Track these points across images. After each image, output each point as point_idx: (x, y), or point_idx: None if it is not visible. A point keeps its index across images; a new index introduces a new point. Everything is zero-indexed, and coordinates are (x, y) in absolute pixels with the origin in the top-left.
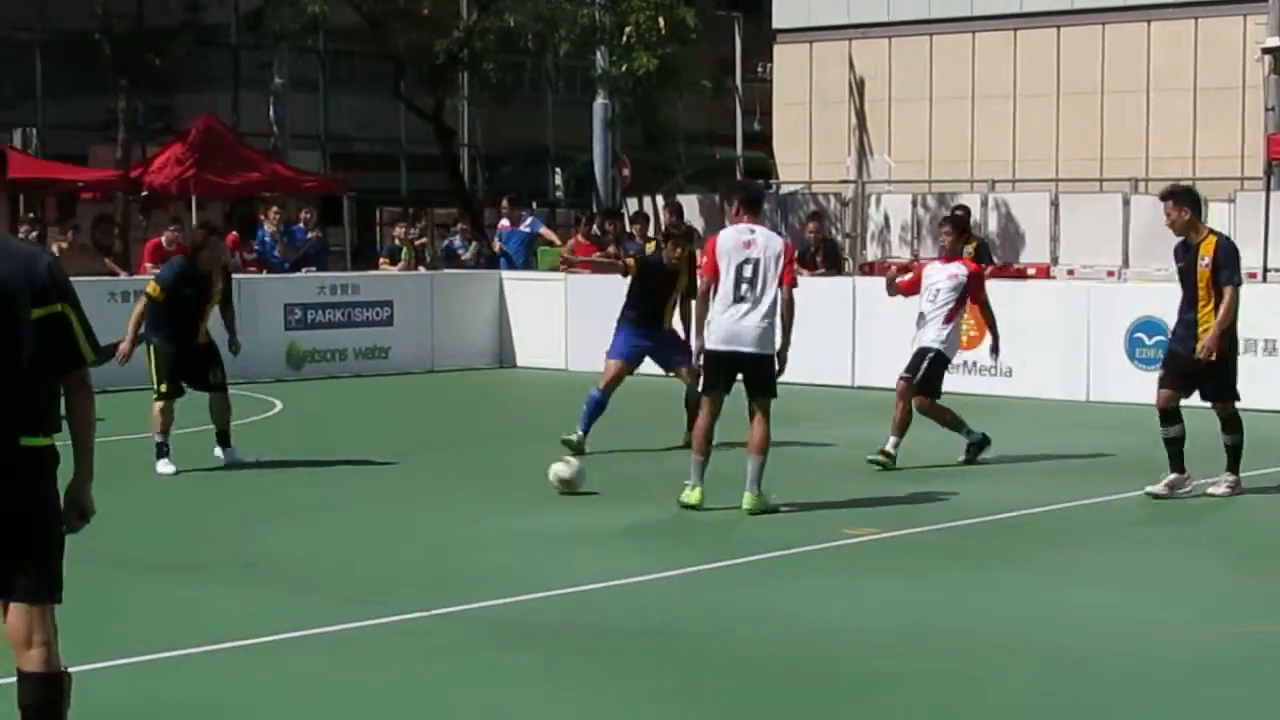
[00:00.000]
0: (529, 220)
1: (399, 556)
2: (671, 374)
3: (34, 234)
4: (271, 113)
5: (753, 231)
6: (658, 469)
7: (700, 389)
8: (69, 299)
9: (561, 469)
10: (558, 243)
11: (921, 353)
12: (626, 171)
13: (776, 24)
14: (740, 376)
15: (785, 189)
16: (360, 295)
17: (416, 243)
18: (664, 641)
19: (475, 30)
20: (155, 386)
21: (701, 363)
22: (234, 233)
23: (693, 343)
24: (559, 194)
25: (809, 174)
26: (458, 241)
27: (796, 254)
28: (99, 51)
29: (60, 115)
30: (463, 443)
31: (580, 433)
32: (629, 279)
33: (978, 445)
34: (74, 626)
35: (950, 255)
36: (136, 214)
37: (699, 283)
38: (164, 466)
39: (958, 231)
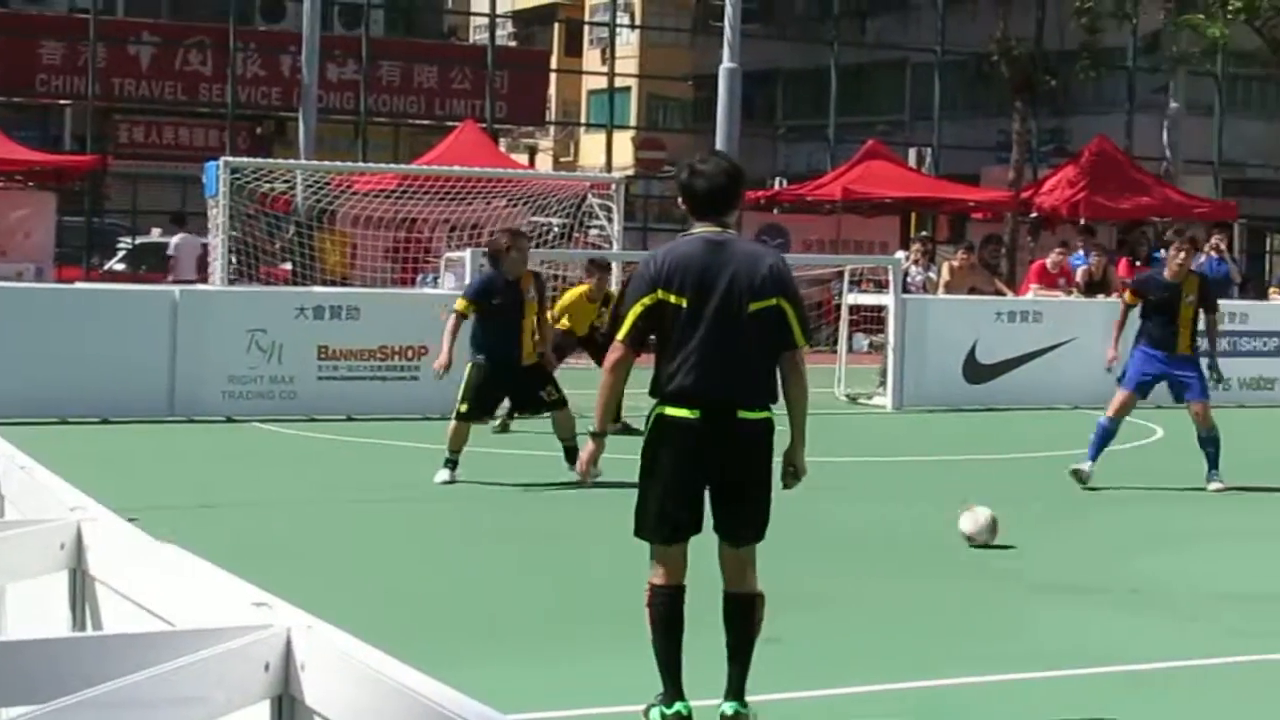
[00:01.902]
0: None
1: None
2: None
3: (923, 252)
4: (1164, 136)
5: None
6: None
7: None
8: (786, 294)
9: (964, 522)
10: None
11: None
12: None
13: None
14: None
15: None
16: (1248, 325)
17: None
18: None
19: None
20: (457, 405)
21: None
22: (1124, 257)
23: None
24: None
25: None
26: None
27: None
28: (996, 73)
29: (954, 135)
30: None
31: (1089, 463)
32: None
33: None
34: (959, 638)
35: None
36: (1025, 235)
37: None
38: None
39: None
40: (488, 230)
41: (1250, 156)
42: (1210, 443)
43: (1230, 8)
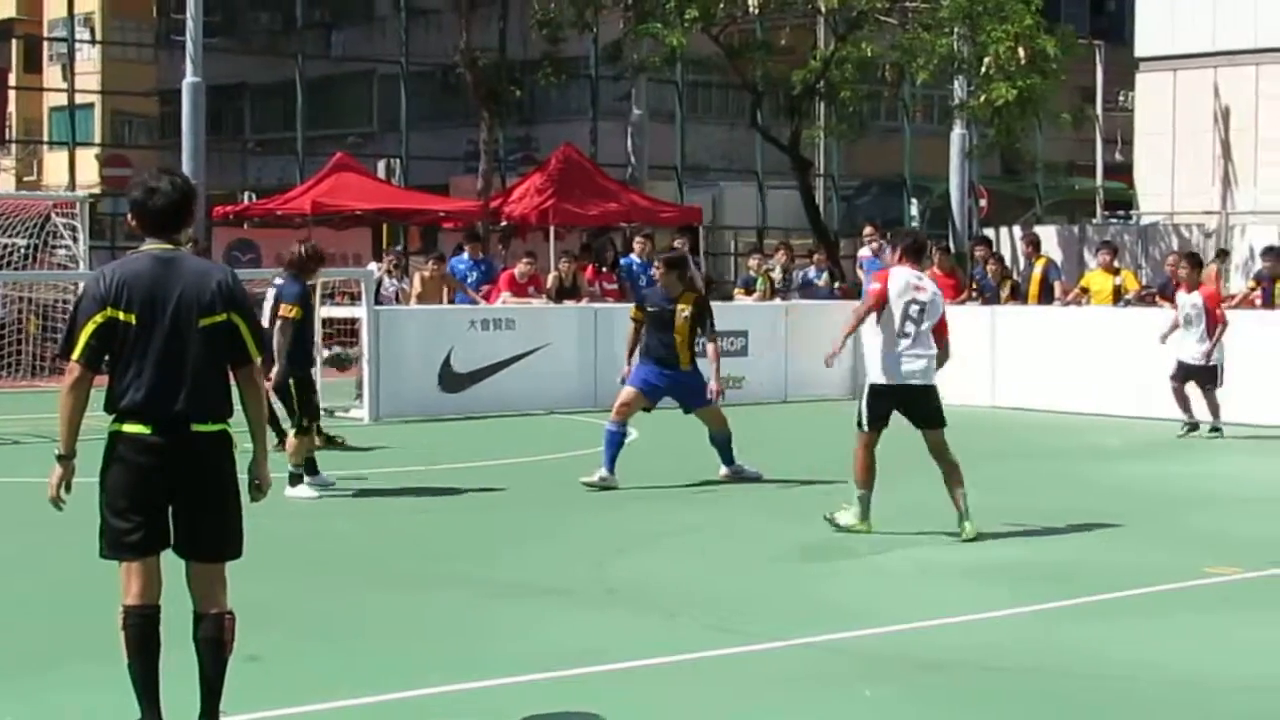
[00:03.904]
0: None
1: (753, 585)
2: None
3: (395, 264)
4: (629, 143)
5: (920, 278)
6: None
7: (865, 424)
8: (238, 309)
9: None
10: None
11: None
12: (983, 202)
13: (1139, 52)
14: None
15: (1146, 219)
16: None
17: (771, 273)
18: (1024, 679)
19: (833, 60)
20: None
21: (865, 398)
22: (590, 264)
23: (713, 383)
24: (915, 224)
25: (1171, 204)
26: (813, 271)
27: (1158, 287)
28: (461, 84)
29: (423, 146)
30: (812, 474)
31: (605, 473)
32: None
33: None
34: (441, 647)
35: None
36: (496, 244)
37: (860, 304)
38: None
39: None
40: None
41: (713, 160)
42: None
43: (687, 17)
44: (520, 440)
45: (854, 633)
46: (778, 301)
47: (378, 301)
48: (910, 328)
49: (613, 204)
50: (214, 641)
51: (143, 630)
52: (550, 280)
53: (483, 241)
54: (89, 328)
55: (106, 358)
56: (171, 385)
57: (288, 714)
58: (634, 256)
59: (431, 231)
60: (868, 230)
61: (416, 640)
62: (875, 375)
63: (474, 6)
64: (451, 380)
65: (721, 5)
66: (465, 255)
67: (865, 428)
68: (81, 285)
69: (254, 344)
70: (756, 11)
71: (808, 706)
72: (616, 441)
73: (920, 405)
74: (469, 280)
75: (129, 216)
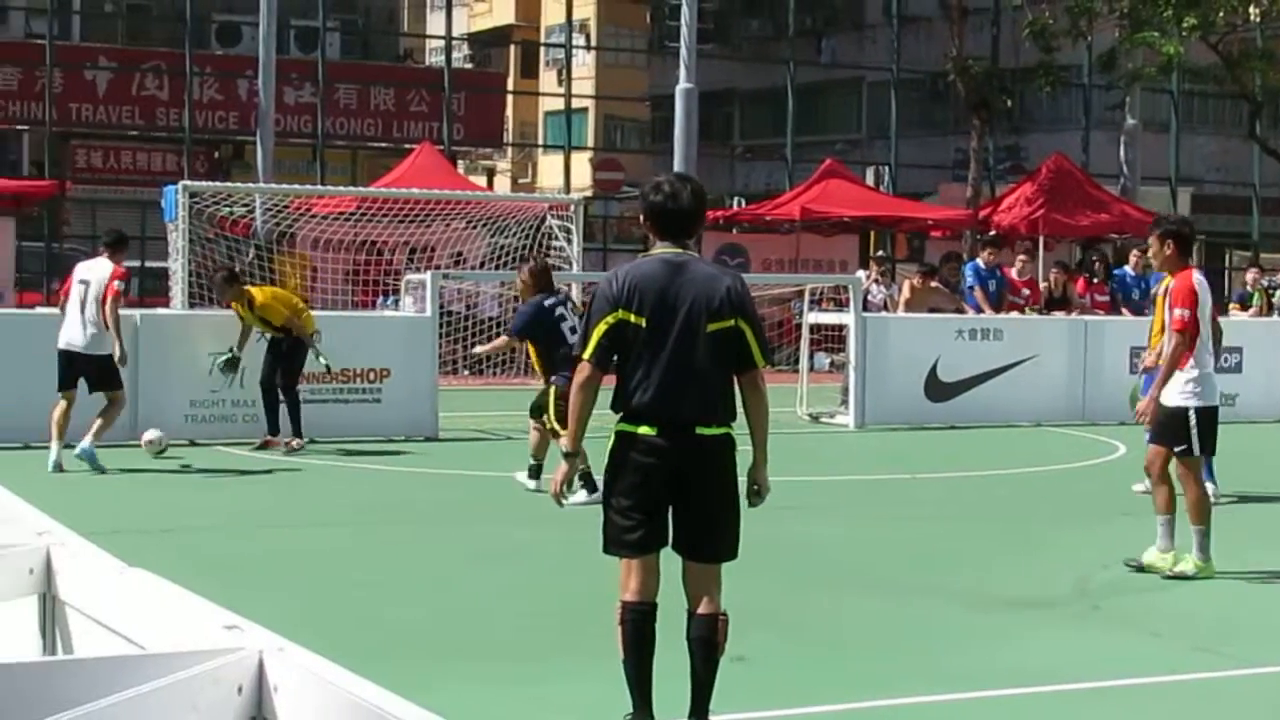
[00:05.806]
0: None
1: (1244, 607)
2: None
3: (882, 271)
4: (1122, 153)
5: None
6: None
7: (1197, 449)
8: (745, 315)
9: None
10: None
11: None
12: None
13: None
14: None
15: None
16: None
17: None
18: None
19: None
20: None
21: (1195, 421)
22: (1081, 276)
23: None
24: None
25: None
26: None
27: None
28: (952, 92)
29: (911, 154)
30: None
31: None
32: None
33: None
34: (919, 656)
35: None
36: (981, 252)
37: (1180, 337)
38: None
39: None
40: (446, 252)
41: (1207, 173)
42: None
43: (1185, 25)
44: (1006, 451)
45: None
46: (1276, 318)
47: (864, 308)
48: (1210, 342)
49: (1104, 215)
50: (706, 641)
51: (639, 626)
52: (1041, 290)
53: (999, 249)
54: (600, 328)
55: (615, 358)
56: (679, 388)
57: (770, 716)
58: (1128, 269)
59: (919, 239)
60: None
61: (895, 648)
62: (1210, 397)
63: (965, 14)
64: (938, 389)
65: (1221, 14)
66: (980, 261)
67: (1198, 453)
68: (571, 286)
69: (759, 349)
70: (1258, 19)
71: None
72: None
73: (1216, 429)
74: (989, 288)
75: (642, 219)
